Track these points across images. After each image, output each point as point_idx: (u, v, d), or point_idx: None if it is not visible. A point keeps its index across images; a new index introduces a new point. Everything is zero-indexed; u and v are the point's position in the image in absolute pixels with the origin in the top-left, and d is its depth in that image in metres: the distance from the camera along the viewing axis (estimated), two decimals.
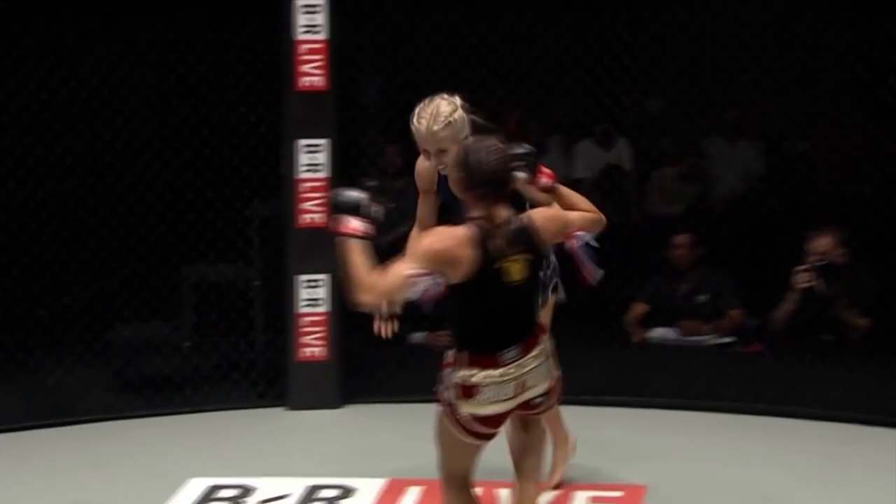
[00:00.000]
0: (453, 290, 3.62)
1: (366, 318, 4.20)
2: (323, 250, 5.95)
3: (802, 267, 6.62)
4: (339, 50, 6.09)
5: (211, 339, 6.60)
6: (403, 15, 6.39)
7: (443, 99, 4.12)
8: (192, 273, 6.56)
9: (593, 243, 4.03)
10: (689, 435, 5.77)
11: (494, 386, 3.63)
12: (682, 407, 6.08)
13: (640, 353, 6.90)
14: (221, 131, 6.45)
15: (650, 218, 7.61)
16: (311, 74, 6.06)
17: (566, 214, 3.88)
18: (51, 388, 6.31)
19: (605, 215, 4.00)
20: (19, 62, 6.24)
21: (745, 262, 6.93)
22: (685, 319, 6.98)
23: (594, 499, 4.91)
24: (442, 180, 4.28)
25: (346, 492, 5.02)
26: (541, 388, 3.73)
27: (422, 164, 4.35)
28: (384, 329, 4.27)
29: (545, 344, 3.74)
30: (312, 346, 6.17)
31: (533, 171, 3.92)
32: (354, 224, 3.63)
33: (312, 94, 6.06)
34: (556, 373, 3.79)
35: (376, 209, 3.67)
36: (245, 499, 4.99)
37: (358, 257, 3.58)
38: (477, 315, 3.64)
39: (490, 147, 3.64)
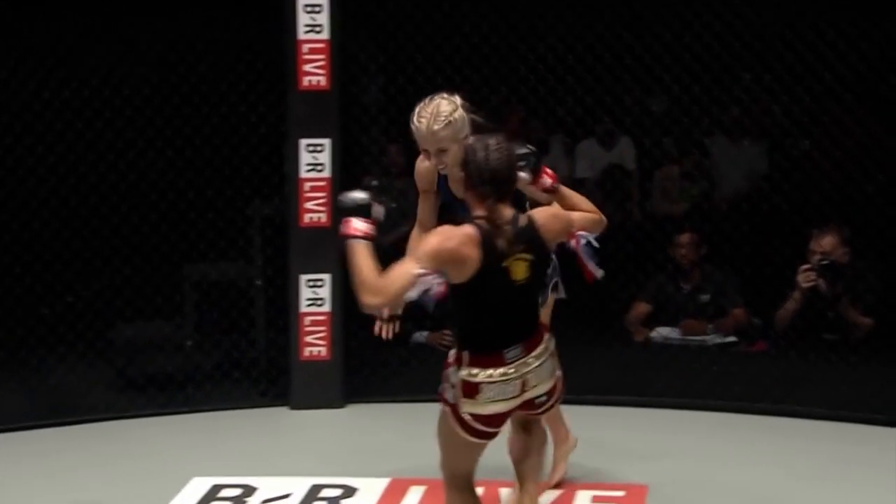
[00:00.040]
0: (456, 290, 3.61)
1: (368, 318, 4.19)
2: (326, 250, 5.96)
3: (806, 266, 6.61)
4: (341, 49, 6.09)
5: (213, 338, 6.61)
6: (405, 14, 6.38)
7: (443, 98, 4.10)
8: (194, 272, 6.56)
9: (594, 243, 4.02)
10: (692, 434, 5.76)
11: (496, 385, 3.62)
12: (684, 406, 6.07)
13: (643, 352, 6.89)
14: (223, 131, 6.45)
15: (653, 217, 7.59)
16: (314, 74, 6.05)
17: (568, 214, 3.87)
18: (53, 386, 6.31)
19: (608, 215, 3.99)
20: (20, 62, 6.24)
21: (749, 261, 6.91)
22: (688, 319, 6.97)
23: (596, 498, 4.90)
24: (442, 180, 4.28)
25: (349, 491, 5.01)
26: (543, 388, 3.72)
27: (421, 163, 4.33)
28: (385, 330, 4.26)
29: (548, 343, 3.74)
30: (315, 345, 6.16)
31: (536, 172, 3.90)
32: (359, 225, 3.62)
33: (315, 94, 6.05)
34: (558, 372, 3.78)
35: (377, 209, 3.66)
36: (247, 498, 4.99)
37: (364, 260, 3.56)
38: (480, 314, 3.63)
39: (493, 146, 3.62)
